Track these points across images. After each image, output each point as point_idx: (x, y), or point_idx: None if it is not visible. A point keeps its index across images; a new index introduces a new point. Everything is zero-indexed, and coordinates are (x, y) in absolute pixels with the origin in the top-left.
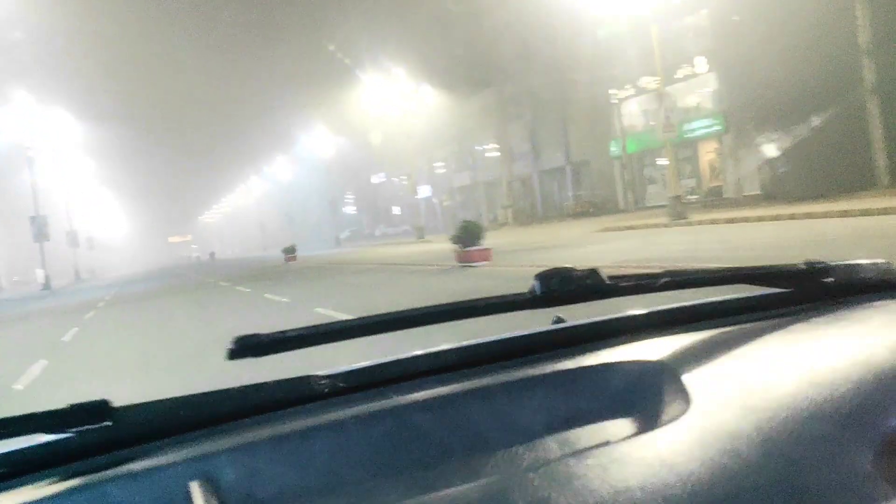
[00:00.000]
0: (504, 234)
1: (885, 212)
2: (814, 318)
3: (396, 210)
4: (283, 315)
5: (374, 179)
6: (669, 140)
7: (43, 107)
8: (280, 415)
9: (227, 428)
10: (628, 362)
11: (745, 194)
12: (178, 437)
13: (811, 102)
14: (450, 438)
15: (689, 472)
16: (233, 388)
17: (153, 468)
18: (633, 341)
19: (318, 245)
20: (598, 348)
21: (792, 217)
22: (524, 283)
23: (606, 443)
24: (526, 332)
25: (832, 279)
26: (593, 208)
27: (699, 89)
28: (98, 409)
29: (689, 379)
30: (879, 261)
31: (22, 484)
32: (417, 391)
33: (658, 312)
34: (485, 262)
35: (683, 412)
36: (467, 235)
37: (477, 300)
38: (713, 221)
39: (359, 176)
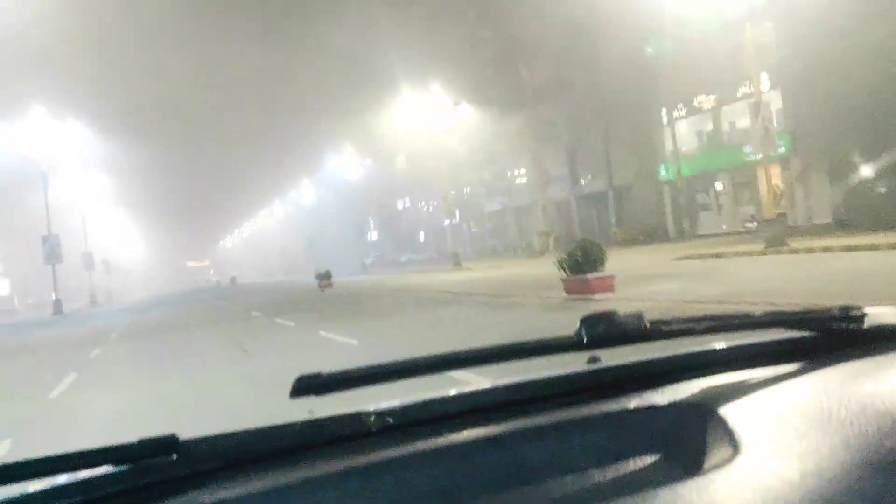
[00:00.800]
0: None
1: None
2: (852, 363)
3: (421, 236)
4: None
5: (400, 204)
6: (768, 156)
7: (61, 124)
8: (344, 449)
9: (292, 461)
10: (673, 404)
11: (816, 222)
12: (244, 470)
13: (888, 122)
14: (506, 476)
15: None
16: (296, 422)
17: (220, 500)
18: (674, 382)
19: (343, 270)
20: (641, 389)
21: (893, 247)
22: None
23: (657, 486)
24: (570, 372)
25: (865, 325)
26: (643, 236)
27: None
28: (166, 443)
29: (734, 423)
30: None
31: None
32: (473, 428)
33: (695, 354)
34: (608, 294)
35: (731, 457)
36: (585, 259)
37: (525, 342)
38: (809, 250)
39: (382, 201)
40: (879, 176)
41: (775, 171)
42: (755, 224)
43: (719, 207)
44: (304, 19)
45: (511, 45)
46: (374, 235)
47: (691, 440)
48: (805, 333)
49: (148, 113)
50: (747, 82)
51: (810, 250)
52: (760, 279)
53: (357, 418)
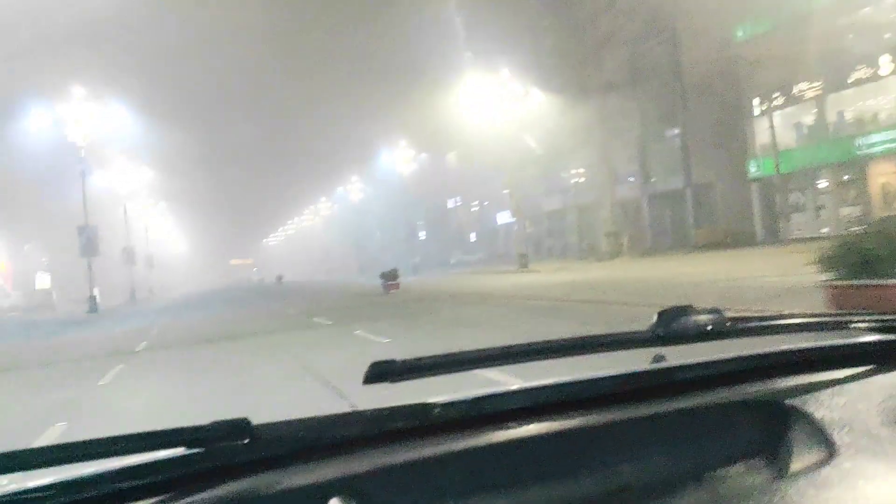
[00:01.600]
0: (638, 266)
1: None
2: None
3: (472, 236)
4: None
5: (450, 203)
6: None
7: (103, 108)
8: (414, 439)
9: (363, 450)
10: (755, 404)
11: None
12: (315, 457)
13: None
14: (581, 473)
15: None
16: (367, 410)
17: (292, 487)
18: (752, 382)
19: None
20: (716, 389)
21: None
22: None
23: (736, 489)
24: (639, 370)
25: None
26: (730, 239)
27: (878, 96)
28: (239, 427)
29: (815, 426)
30: None
31: (166, 496)
32: (544, 423)
33: (773, 354)
34: None
35: (813, 462)
36: (890, 255)
37: (600, 336)
38: None
39: (430, 200)
40: None
41: (890, 168)
42: (863, 227)
43: (817, 208)
44: (363, 1)
45: (583, 28)
46: (420, 235)
47: (771, 443)
48: (890, 337)
49: (195, 106)
50: (862, 66)
51: None
52: None
53: (425, 409)
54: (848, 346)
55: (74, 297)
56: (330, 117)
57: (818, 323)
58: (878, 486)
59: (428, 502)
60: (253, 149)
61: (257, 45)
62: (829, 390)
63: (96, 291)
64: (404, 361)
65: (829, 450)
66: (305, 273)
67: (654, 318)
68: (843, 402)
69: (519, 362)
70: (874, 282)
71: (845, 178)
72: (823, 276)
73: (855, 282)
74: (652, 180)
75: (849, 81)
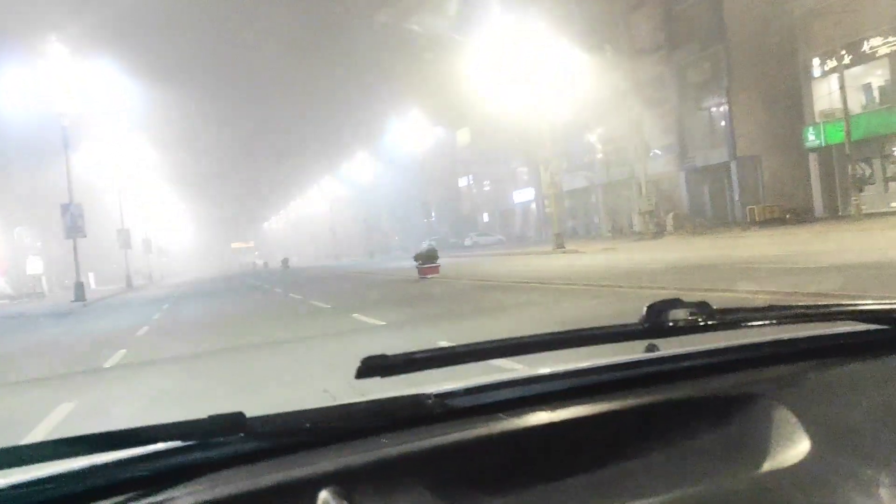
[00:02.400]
0: (695, 246)
1: None
2: None
3: (485, 217)
4: None
5: (461, 182)
6: None
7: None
8: (408, 430)
9: (357, 442)
10: (740, 395)
11: None
12: (309, 449)
13: None
14: (572, 464)
15: None
16: (361, 402)
17: (285, 479)
18: (739, 372)
19: (406, 254)
20: (706, 378)
21: None
22: None
23: (724, 476)
24: (632, 359)
25: None
26: (790, 215)
27: None
28: (234, 421)
29: (802, 417)
30: None
31: (161, 489)
32: (536, 413)
33: (761, 344)
34: None
35: (800, 452)
36: None
37: (591, 329)
38: None
39: (443, 178)
40: None
41: None
42: None
43: (887, 180)
44: None
45: None
46: (432, 217)
47: (759, 432)
48: (877, 326)
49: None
50: None
51: None
52: None
53: (419, 400)
54: (836, 335)
55: (68, 284)
56: (335, 90)
57: (807, 314)
58: (860, 480)
59: (421, 493)
60: (253, 127)
61: (256, 12)
62: (816, 381)
63: (91, 277)
64: (396, 356)
65: (809, 442)
66: (309, 257)
67: (644, 311)
68: (829, 393)
69: (511, 356)
70: None
71: None
72: None
73: None
74: (689, 154)
75: None
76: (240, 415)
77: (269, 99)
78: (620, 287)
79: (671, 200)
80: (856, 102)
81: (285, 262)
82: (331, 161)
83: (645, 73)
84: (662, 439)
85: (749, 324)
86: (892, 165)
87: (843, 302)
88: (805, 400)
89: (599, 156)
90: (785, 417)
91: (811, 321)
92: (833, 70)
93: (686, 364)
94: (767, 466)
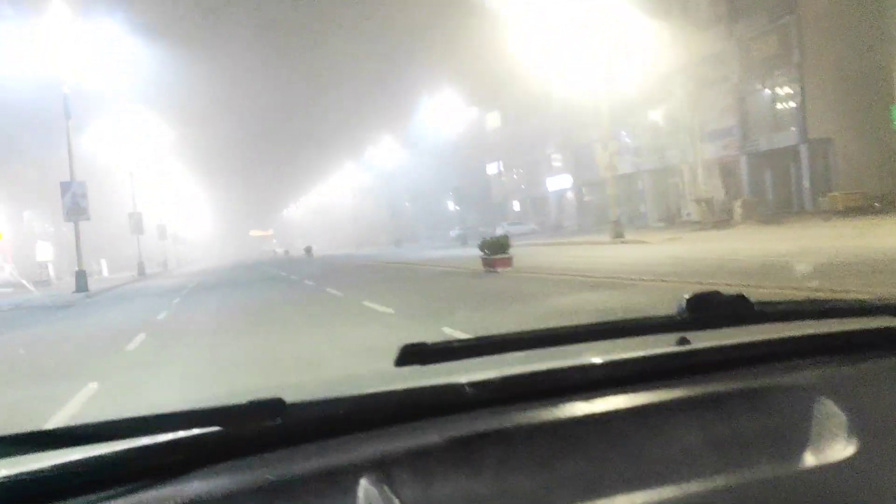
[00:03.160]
0: (778, 236)
1: None
2: None
3: (515, 205)
4: None
5: (490, 169)
6: None
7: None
8: (445, 419)
9: (394, 429)
10: (779, 389)
11: None
12: (347, 436)
13: None
14: (610, 455)
15: None
16: (398, 390)
17: (323, 466)
18: (779, 366)
19: (434, 244)
20: (745, 372)
21: None
22: None
23: (763, 471)
24: (668, 351)
25: None
26: (880, 203)
27: None
28: (273, 406)
29: (842, 413)
30: None
31: (202, 472)
32: (573, 403)
33: (800, 338)
34: None
35: (841, 448)
36: None
37: (627, 320)
38: None
39: (467, 166)
40: None
41: None
42: None
43: None
44: None
45: None
46: (454, 204)
47: (801, 426)
48: None
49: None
50: None
51: None
52: None
53: (457, 388)
54: (878, 330)
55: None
56: (364, 68)
57: (846, 308)
58: None
59: (460, 480)
60: (276, 111)
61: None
62: (854, 376)
63: (104, 264)
64: (435, 344)
65: (853, 438)
66: (330, 245)
67: (682, 303)
68: (868, 388)
69: (548, 346)
70: None
71: None
72: None
73: None
74: (750, 137)
75: None
76: (279, 400)
77: (294, 79)
78: (749, 286)
79: (728, 187)
80: None
81: (309, 250)
82: (355, 146)
83: (702, 48)
84: (702, 430)
85: (788, 318)
86: None
87: (884, 297)
88: (848, 395)
89: (648, 139)
90: (828, 412)
91: (851, 316)
92: None
93: (724, 356)
94: (811, 460)
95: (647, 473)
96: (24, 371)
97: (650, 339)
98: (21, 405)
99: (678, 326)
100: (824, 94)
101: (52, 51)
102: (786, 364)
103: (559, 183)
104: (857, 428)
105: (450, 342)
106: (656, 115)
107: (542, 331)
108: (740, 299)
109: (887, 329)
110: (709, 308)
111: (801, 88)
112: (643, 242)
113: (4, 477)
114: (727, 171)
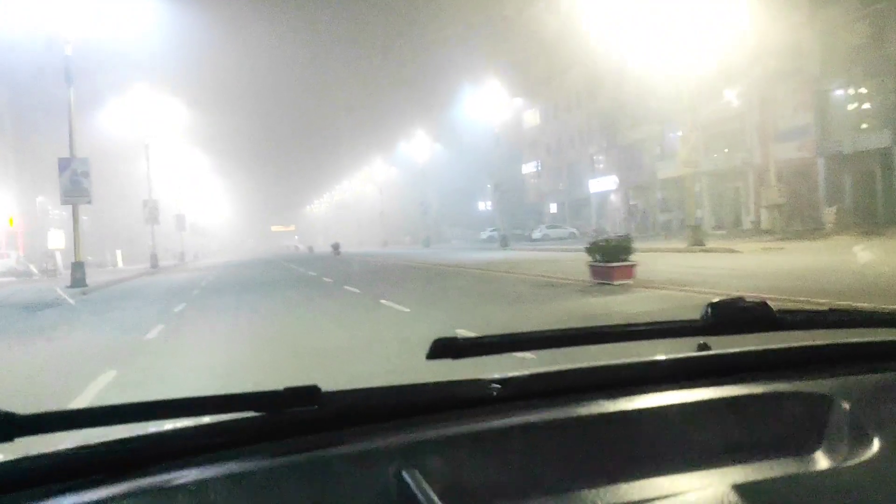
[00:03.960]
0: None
1: None
2: None
3: (552, 207)
4: None
5: (525, 169)
6: None
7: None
8: (474, 412)
9: (426, 420)
10: (801, 395)
11: None
12: (381, 425)
13: None
14: (633, 452)
15: None
16: (429, 383)
17: (361, 452)
18: (798, 373)
19: (462, 245)
20: (763, 377)
21: None
22: None
23: (782, 474)
24: (691, 355)
25: None
26: None
27: None
28: (309, 393)
29: (870, 420)
30: None
31: (239, 456)
32: (599, 403)
33: (821, 347)
34: None
35: (863, 454)
36: None
37: (650, 323)
38: None
39: (500, 165)
40: None
41: None
42: None
43: None
44: None
45: None
46: (486, 205)
47: (820, 431)
48: None
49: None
50: None
51: None
52: None
53: (486, 384)
54: (886, 342)
55: (91, 260)
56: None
57: (867, 318)
58: None
59: (486, 472)
60: (303, 101)
61: None
62: (873, 385)
63: (119, 255)
64: (467, 339)
65: (869, 444)
66: (353, 243)
67: (706, 308)
68: (886, 396)
69: (574, 345)
70: None
71: None
72: None
73: None
74: (835, 138)
75: None
76: (315, 387)
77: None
78: None
79: (800, 193)
80: None
81: (336, 247)
82: (386, 141)
83: (777, 37)
84: (721, 433)
85: (809, 326)
86: None
87: None
88: (866, 403)
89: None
90: (847, 418)
91: (872, 326)
92: None
93: (744, 362)
94: (826, 464)
95: (668, 472)
96: None
97: (673, 342)
98: None
99: (702, 331)
100: None
101: (54, 5)
102: (805, 371)
103: (602, 184)
104: (874, 435)
105: (480, 337)
106: (717, 112)
107: (569, 330)
108: (762, 306)
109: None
110: (732, 314)
111: None
112: (732, 251)
113: (73, 448)
114: (800, 176)
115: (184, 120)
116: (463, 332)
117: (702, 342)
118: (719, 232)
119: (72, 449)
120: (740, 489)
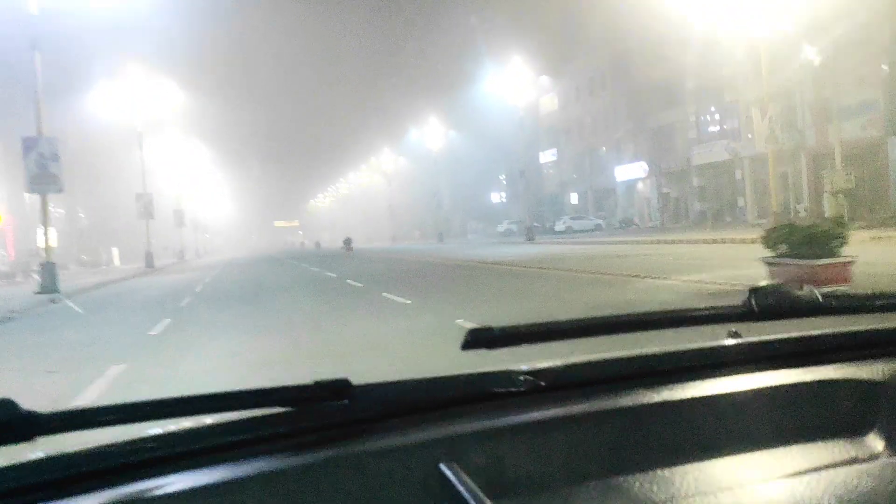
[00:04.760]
0: None
1: None
2: None
3: (573, 197)
4: None
5: (543, 157)
6: None
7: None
8: (511, 404)
9: (462, 412)
10: (849, 380)
11: None
12: (415, 418)
13: None
14: (681, 443)
15: None
16: (463, 374)
17: (396, 444)
18: (846, 360)
19: (479, 239)
20: (810, 363)
21: None
22: None
23: (841, 463)
24: (726, 343)
25: None
26: None
27: None
28: (339, 387)
29: None
30: None
31: (270, 452)
32: (640, 392)
33: (864, 332)
34: None
35: None
36: None
37: (693, 309)
38: None
39: (516, 153)
40: None
41: None
42: None
43: None
44: None
45: None
46: (502, 195)
47: (864, 420)
48: None
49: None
50: None
51: None
52: None
53: (520, 375)
54: None
55: (85, 259)
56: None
57: None
58: None
59: (528, 465)
60: (307, 90)
61: None
62: None
63: (115, 254)
64: (502, 329)
65: None
66: (360, 239)
67: (747, 294)
68: None
69: (610, 334)
70: None
71: None
72: None
73: None
74: None
75: None
76: (345, 381)
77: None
78: None
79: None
80: None
81: (348, 242)
82: (392, 131)
83: (840, 3)
84: (772, 420)
85: (854, 311)
86: None
87: None
88: None
89: (749, 118)
90: (887, 407)
91: None
92: None
93: (790, 348)
94: (876, 451)
95: (716, 461)
96: None
97: (695, 331)
98: None
99: (745, 317)
100: None
101: None
102: (853, 356)
103: (629, 172)
104: None
105: (514, 326)
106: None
107: (606, 317)
108: (807, 291)
109: None
110: (776, 299)
111: None
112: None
113: (93, 447)
114: (864, 157)
115: (186, 111)
116: None
117: (733, 329)
118: (761, 221)
119: (95, 448)
120: (794, 476)
